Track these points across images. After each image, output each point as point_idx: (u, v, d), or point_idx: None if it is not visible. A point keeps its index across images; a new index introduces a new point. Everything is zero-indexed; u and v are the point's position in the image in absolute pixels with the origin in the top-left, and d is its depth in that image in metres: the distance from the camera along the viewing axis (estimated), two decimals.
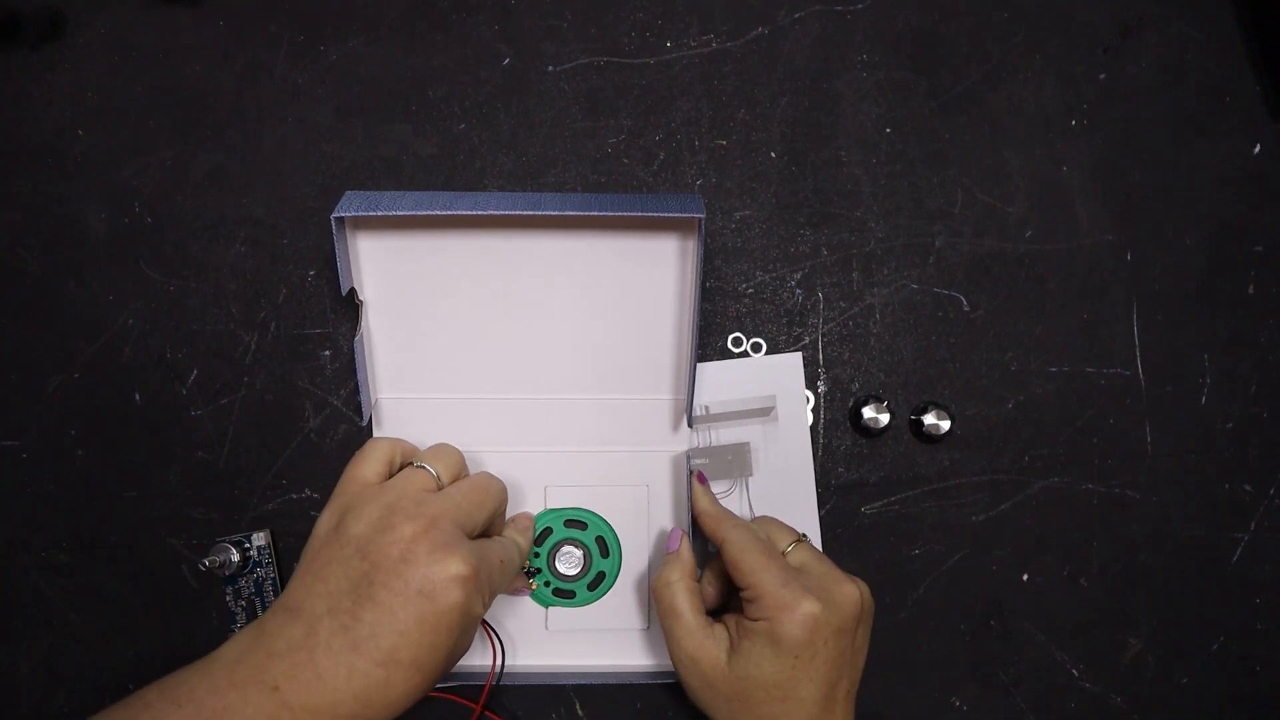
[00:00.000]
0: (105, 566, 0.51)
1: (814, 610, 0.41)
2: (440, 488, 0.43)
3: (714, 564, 0.47)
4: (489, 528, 0.45)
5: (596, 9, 0.54)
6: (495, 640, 0.49)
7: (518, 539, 0.46)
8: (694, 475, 0.48)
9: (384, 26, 0.53)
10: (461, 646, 0.40)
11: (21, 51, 0.53)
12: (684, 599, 0.44)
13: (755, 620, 0.42)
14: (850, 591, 0.42)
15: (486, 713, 0.49)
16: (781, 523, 0.47)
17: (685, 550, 0.46)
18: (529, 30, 0.53)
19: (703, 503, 0.47)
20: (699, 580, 0.47)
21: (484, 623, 0.49)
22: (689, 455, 0.49)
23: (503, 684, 0.49)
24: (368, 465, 0.43)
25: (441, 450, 0.46)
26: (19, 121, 0.53)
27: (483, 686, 0.50)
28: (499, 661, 0.49)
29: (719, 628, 0.44)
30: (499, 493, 0.45)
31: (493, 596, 0.42)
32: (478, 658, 0.50)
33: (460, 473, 0.45)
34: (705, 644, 0.43)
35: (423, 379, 0.50)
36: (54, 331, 0.52)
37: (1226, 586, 0.52)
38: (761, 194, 0.53)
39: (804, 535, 0.46)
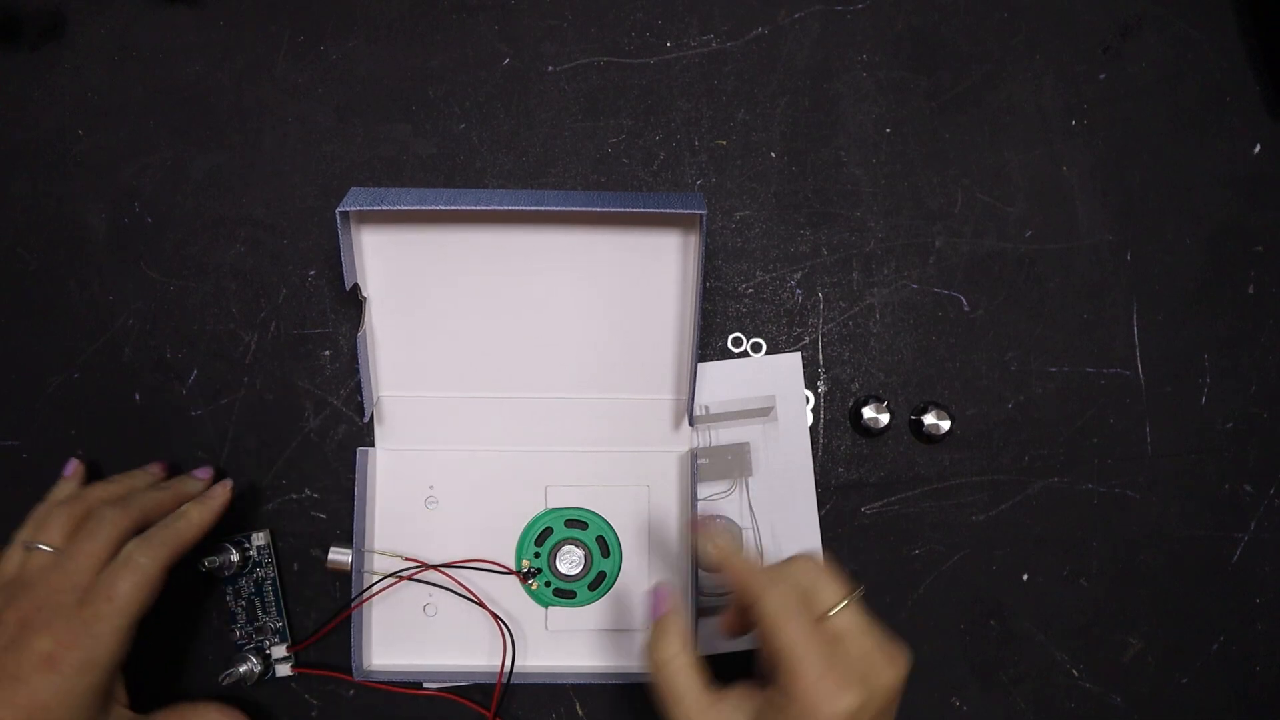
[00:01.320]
0: None
1: (853, 706, 0.36)
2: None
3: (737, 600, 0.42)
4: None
5: (596, 9, 0.54)
6: (507, 635, 0.49)
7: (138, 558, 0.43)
8: (699, 520, 0.44)
9: (384, 26, 0.53)
10: (84, 718, 0.40)
11: (21, 51, 0.53)
12: (686, 678, 0.39)
13: (788, 701, 0.36)
14: (894, 676, 0.38)
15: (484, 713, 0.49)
16: (832, 571, 0.40)
17: (677, 613, 0.41)
18: (529, 30, 0.53)
19: (727, 549, 0.40)
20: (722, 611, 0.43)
21: (496, 617, 0.49)
22: (694, 454, 0.49)
23: (502, 684, 0.49)
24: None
25: (48, 518, 0.45)
26: (19, 121, 0.53)
27: (483, 685, 0.50)
28: (509, 661, 0.49)
29: (729, 703, 0.38)
30: (142, 566, 0.43)
31: (112, 650, 0.41)
32: (483, 656, 0.50)
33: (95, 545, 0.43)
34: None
35: (424, 377, 0.50)
36: (54, 331, 0.52)
37: (1226, 586, 0.52)
38: (761, 194, 0.53)
39: (860, 587, 0.39)
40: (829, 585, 0.39)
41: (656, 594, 0.42)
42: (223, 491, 0.48)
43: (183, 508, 0.46)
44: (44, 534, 0.44)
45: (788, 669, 0.36)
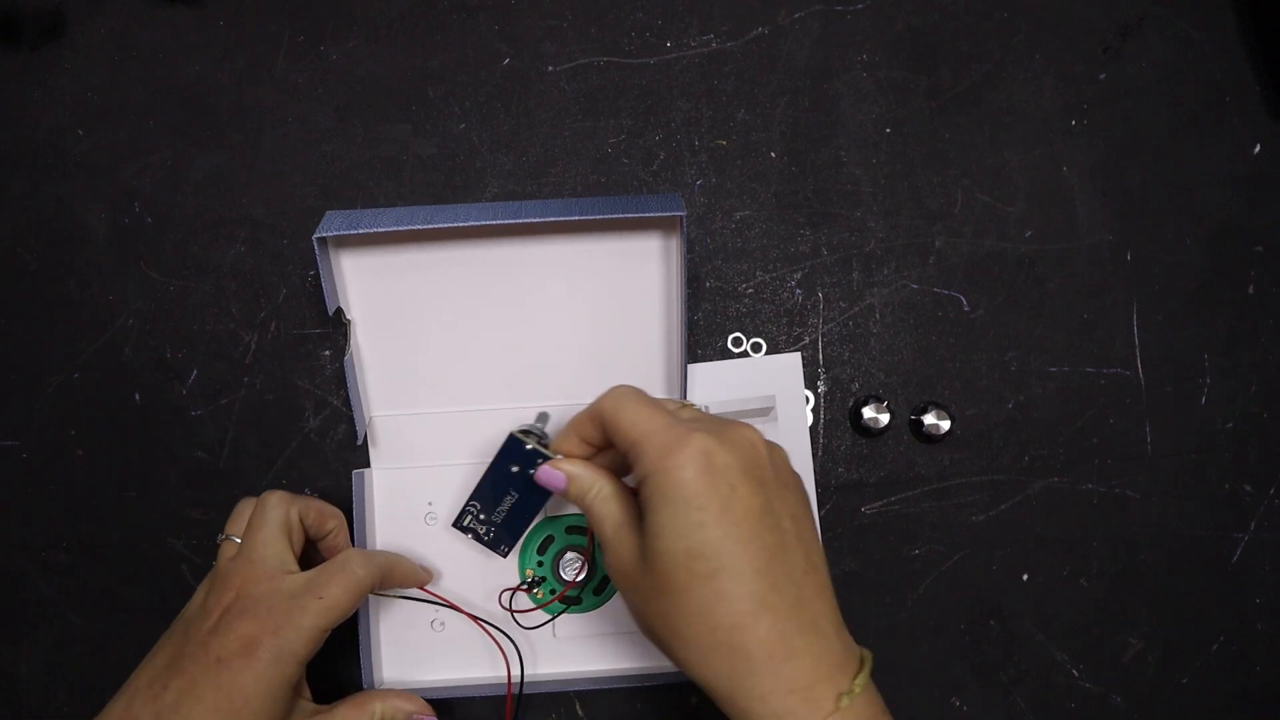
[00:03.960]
0: (105, 566, 0.51)
1: (707, 444, 0.34)
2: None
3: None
4: (320, 537, 0.47)
5: (596, 9, 0.54)
6: (513, 651, 0.49)
7: (352, 569, 0.43)
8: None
9: (384, 26, 0.53)
10: (277, 707, 0.40)
11: (21, 51, 0.53)
12: (609, 505, 0.39)
13: (645, 478, 0.35)
14: (745, 430, 0.37)
15: None
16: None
17: (573, 467, 0.40)
18: (529, 30, 0.53)
19: (569, 435, 0.41)
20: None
21: (497, 638, 0.49)
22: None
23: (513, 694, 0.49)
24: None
25: (237, 511, 0.46)
26: (19, 121, 0.53)
27: (489, 697, 0.49)
28: (516, 673, 0.49)
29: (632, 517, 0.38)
30: (273, 508, 0.44)
31: (309, 644, 0.41)
32: (493, 669, 0.50)
33: (254, 519, 0.45)
34: (620, 536, 0.37)
35: (415, 394, 0.50)
36: (54, 331, 0.52)
37: (1226, 586, 0.52)
38: (761, 194, 0.53)
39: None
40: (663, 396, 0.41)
41: (544, 478, 0.41)
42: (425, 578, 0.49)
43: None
44: (232, 525, 0.45)
45: (636, 440, 0.36)
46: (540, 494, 0.46)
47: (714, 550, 0.34)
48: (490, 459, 0.46)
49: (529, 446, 0.44)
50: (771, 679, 0.33)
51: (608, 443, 0.40)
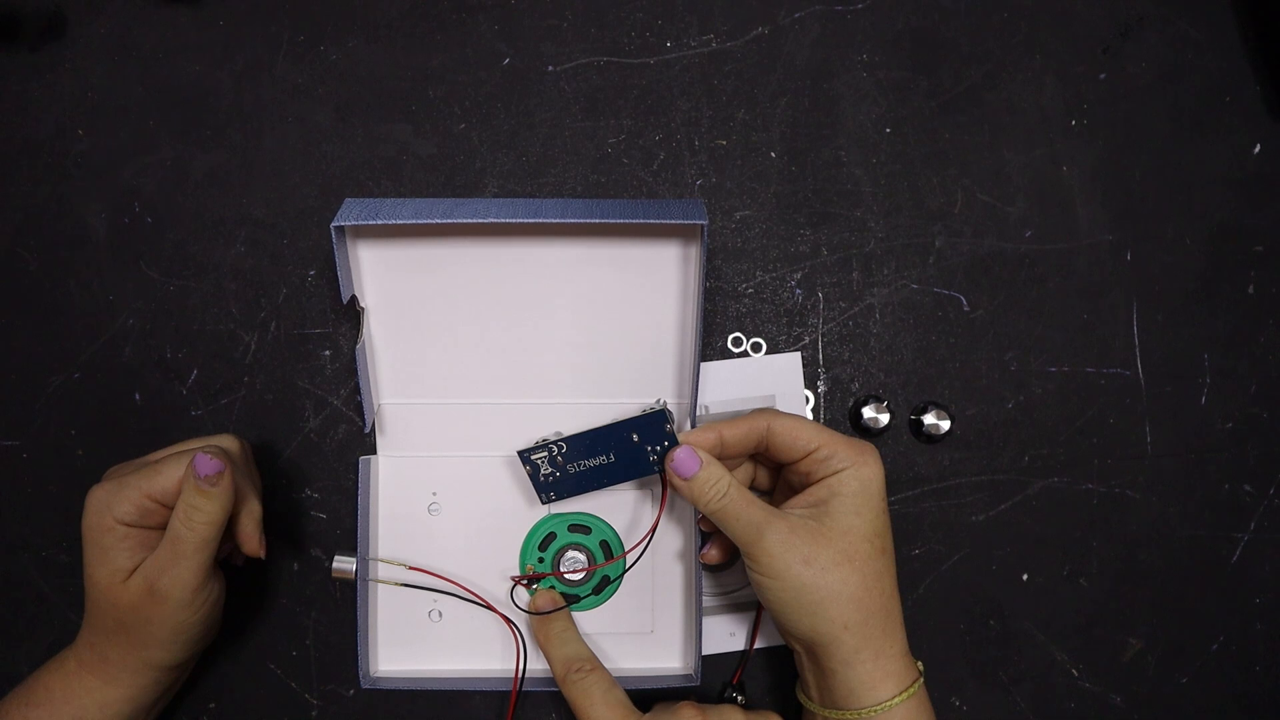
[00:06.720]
0: None
1: (879, 456, 0.43)
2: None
3: (714, 533, 0.48)
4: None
5: (596, 9, 0.54)
6: (519, 639, 0.49)
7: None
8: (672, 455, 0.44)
9: (384, 26, 0.53)
10: (102, 553, 0.43)
11: (21, 51, 0.53)
12: (745, 509, 0.42)
13: (838, 472, 0.42)
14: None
15: None
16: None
17: (708, 458, 0.43)
18: (529, 30, 0.53)
19: (710, 432, 0.44)
20: (703, 550, 0.48)
21: (508, 621, 0.49)
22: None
23: (506, 687, 0.49)
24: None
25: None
26: (19, 121, 0.53)
27: (493, 691, 0.50)
28: (522, 666, 0.49)
29: (791, 514, 0.43)
30: (90, 515, 0.44)
31: (132, 505, 0.42)
32: (490, 660, 0.50)
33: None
34: (777, 515, 0.42)
35: (425, 385, 0.50)
36: (54, 331, 0.52)
37: (1226, 586, 0.52)
38: (761, 194, 0.53)
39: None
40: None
41: (679, 457, 0.43)
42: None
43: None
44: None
45: (825, 444, 0.42)
46: (629, 472, 0.46)
47: (887, 534, 0.43)
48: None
49: (669, 427, 0.44)
50: (898, 642, 0.43)
51: (736, 454, 0.45)
